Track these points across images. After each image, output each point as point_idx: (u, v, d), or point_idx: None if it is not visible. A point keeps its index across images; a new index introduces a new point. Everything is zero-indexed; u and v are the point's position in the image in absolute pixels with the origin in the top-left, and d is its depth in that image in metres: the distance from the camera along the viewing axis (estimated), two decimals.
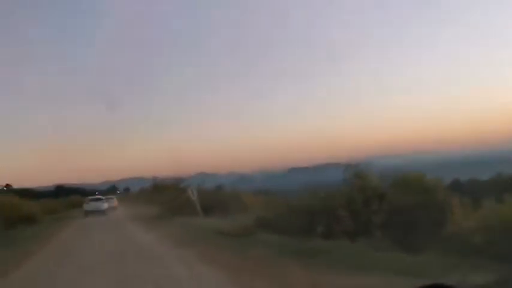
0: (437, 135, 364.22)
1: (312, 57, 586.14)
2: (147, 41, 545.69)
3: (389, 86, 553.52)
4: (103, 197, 38.18)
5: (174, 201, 24.97)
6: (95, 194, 56.35)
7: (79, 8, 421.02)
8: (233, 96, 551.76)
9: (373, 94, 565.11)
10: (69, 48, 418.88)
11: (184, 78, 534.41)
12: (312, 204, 11.72)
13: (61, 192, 63.88)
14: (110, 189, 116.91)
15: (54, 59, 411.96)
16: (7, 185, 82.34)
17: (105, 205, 34.47)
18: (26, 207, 25.12)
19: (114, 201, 42.64)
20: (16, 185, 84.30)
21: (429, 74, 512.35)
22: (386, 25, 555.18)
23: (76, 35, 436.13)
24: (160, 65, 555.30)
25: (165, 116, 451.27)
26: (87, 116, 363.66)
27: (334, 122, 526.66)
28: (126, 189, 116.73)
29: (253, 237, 12.04)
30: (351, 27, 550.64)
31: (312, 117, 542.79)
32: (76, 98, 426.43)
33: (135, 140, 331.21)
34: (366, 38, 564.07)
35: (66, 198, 53.66)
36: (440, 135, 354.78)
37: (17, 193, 63.23)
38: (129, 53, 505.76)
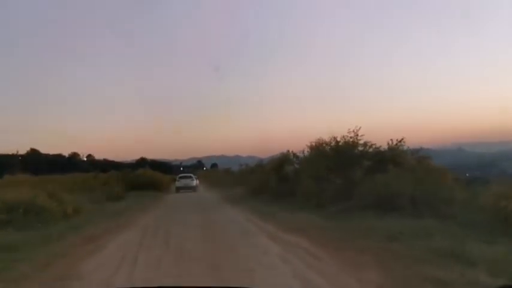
0: None
1: None
2: None
3: None
4: (193, 175, 39.30)
5: None
6: (182, 171, 57.92)
7: None
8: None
9: None
10: None
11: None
12: None
13: (144, 166, 55.37)
14: (196, 166, 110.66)
15: None
16: (89, 156, 78.36)
17: (195, 182, 35.69)
18: None
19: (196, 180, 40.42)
20: (98, 156, 79.95)
21: None
22: None
23: None
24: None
25: (253, 96, 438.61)
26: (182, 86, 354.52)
27: None
28: (214, 165, 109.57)
29: None
30: None
31: None
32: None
33: (222, 117, 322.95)
34: None
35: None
36: None
37: (99, 164, 56.96)
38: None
